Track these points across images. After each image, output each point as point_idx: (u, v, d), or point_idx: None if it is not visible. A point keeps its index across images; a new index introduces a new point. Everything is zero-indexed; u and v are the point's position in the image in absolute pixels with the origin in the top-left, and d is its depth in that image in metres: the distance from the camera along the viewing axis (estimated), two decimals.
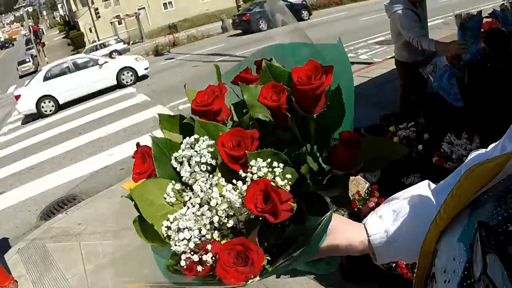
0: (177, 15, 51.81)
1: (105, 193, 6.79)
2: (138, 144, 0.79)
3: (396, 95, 5.29)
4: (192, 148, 0.72)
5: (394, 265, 2.87)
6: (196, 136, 0.73)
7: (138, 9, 53.70)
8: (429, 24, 5.10)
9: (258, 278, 0.64)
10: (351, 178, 2.78)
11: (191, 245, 0.65)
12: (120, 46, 33.33)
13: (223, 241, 0.66)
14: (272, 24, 0.85)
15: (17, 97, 16.57)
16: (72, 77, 17.22)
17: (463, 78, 4.23)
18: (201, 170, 0.71)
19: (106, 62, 18.37)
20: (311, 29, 23.71)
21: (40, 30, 60.62)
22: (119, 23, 47.21)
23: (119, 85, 17.84)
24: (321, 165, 0.71)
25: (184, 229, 0.67)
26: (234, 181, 0.66)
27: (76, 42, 51.73)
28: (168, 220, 0.69)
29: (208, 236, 0.66)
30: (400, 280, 2.83)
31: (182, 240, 0.66)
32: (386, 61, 11.27)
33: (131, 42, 44.07)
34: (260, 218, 0.63)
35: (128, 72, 18.25)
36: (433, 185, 0.94)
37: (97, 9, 47.75)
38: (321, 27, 23.44)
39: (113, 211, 5.96)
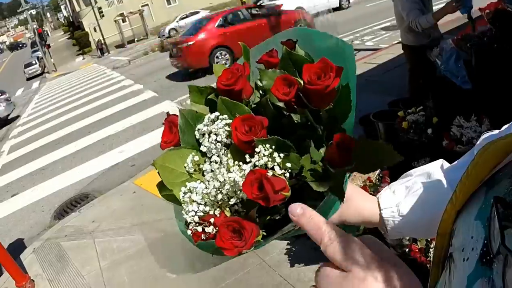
0: (181, 10, 51.71)
1: (117, 190, 6.83)
2: (168, 114, 0.83)
3: (404, 80, 5.27)
4: (213, 123, 0.75)
5: (407, 249, 2.88)
6: (217, 113, 0.75)
7: (142, 6, 53.74)
8: (436, 6, 5.06)
9: (252, 249, 0.68)
10: None
11: (196, 218, 0.70)
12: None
13: (225, 215, 0.70)
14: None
15: None
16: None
17: (470, 60, 4.20)
18: (216, 147, 0.73)
19: None
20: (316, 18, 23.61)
21: (45, 32, 60.76)
22: (123, 21, 47.25)
23: None
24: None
25: (193, 201, 0.70)
26: (240, 163, 0.68)
27: (81, 42, 51.99)
28: (185, 187, 0.73)
29: (211, 212, 0.70)
30: (414, 264, 2.84)
31: (191, 211, 0.70)
32: (392, 47, 11.20)
33: (136, 39, 44.17)
34: None
35: None
36: (447, 164, 0.95)
37: (100, 8, 47.67)
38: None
39: (126, 208, 6.01)
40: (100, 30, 42.90)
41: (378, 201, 0.96)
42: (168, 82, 15.87)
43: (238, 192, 0.69)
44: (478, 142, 0.92)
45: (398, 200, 0.93)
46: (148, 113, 11.93)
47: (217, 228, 0.68)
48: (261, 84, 0.79)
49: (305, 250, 3.80)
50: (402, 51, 5.27)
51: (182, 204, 0.72)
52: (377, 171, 3.39)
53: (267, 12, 17.19)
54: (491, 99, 3.78)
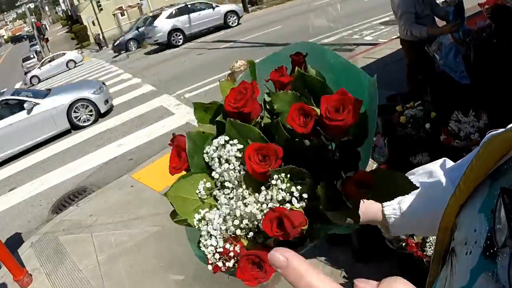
0: (179, 3, 51.55)
1: (115, 184, 6.83)
2: (174, 135, 0.80)
3: (403, 75, 5.27)
4: (223, 147, 0.72)
5: (404, 244, 2.88)
6: (226, 138, 0.73)
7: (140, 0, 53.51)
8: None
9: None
10: None
11: (216, 255, 0.67)
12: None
13: (243, 244, 0.68)
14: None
15: None
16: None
17: (469, 55, 4.20)
18: (229, 175, 0.71)
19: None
20: (317, 12, 23.59)
21: (43, 25, 60.69)
22: (122, 14, 47.15)
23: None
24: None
25: (210, 235, 0.68)
26: (257, 194, 0.67)
27: (80, 36, 51.83)
28: (199, 214, 0.71)
29: (230, 247, 0.67)
30: (410, 259, 2.84)
31: (209, 246, 0.67)
32: (391, 42, 11.19)
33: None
34: None
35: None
36: (450, 163, 0.95)
37: (99, 1, 47.65)
38: (326, 9, 23.25)
39: (124, 201, 6.01)
40: (99, 24, 42.76)
41: None
42: (167, 76, 15.83)
43: (255, 222, 0.66)
44: (483, 141, 0.85)
45: (399, 197, 0.93)
46: (147, 106, 11.91)
47: (236, 259, 0.66)
48: (271, 106, 0.76)
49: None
50: (400, 46, 5.28)
51: (201, 239, 0.69)
52: (375, 165, 3.40)
53: None
54: (489, 94, 3.78)
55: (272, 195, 0.64)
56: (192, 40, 22.56)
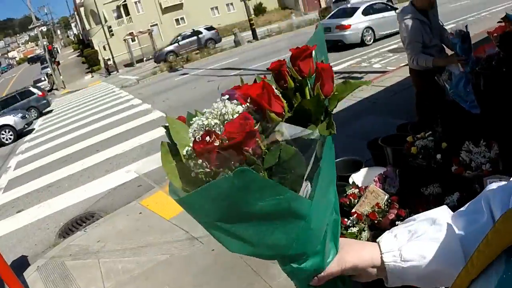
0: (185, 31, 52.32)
1: (124, 210, 6.81)
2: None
3: (412, 103, 5.27)
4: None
5: None
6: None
7: (151, 26, 54.23)
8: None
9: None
10: (371, 189, 2.78)
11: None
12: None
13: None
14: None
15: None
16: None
17: (479, 84, 4.19)
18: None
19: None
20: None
21: (55, 49, 61.30)
22: (133, 40, 47.69)
23: None
24: None
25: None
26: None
27: (91, 60, 52.39)
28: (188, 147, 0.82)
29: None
30: None
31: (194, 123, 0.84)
32: (400, 69, 11.24)
33: (144, 58, 44.44)
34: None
35: None
36: (450, 212, 0.93)
37: (110, 27, 48.20)
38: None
39: (132, 228, 5.98)
40: (110, 49, 43.25)
41: (379, 245, 0.92)
42: (177, 102, 15.93)
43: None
44: (485, 193, 0.87)
45: (400, 244, 0.90)
46: (156, 133, 11.93)
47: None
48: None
49: None
50: (409, 74, 5.29)
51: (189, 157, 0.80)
52: (386, 197, 3.37)
53: None
54: (500, 123, 3.76)
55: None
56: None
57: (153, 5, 59.16)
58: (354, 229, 2.94)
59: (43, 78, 41.49)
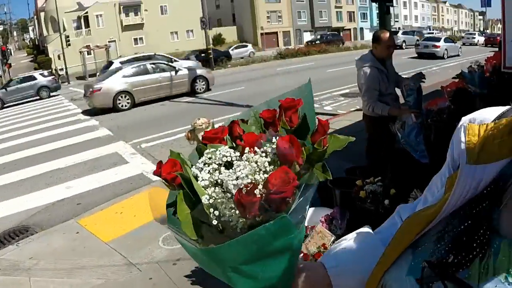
0: (147, 51, 52.09)
1: (60, 227, 6.60)
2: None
3: (361, 147, 5.42)
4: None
5: None
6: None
7: (109, 41, 53.79)
8: None
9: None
10: (318, 229, 2.85)
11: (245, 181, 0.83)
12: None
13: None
14: None
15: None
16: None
17: (430, 135, 4.36)
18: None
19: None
20: (279, 76, 24.15)
21: (8, 50, 59.71)
22: (88, 53, 46.95)
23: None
24: None
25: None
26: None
27: (43, 67, 51.08)
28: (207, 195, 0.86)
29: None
30: None
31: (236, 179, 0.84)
32: (350, 113, 11.61)
33: (97, 73, 43.76)
34: None
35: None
36: (371, 230, 1.16)
37: (68, 36, 47.41)
38: (288, 76, 23.92)
39: (67, 248, 5.79)
40: (64, 59, 42.48)
41: (321, 262, 1.06)
42: (125, 122, 15.73)
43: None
44: (397, 211, 1.18)
45: (337, 258, 1.06)
46: (101, 151, 11.72)
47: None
48: None
49: None
50: (359, 119, 5.49)
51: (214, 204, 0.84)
52: (332, 238, 3.42)
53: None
54: None
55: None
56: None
57: (114, 21, 58.91)
58: None
59: None
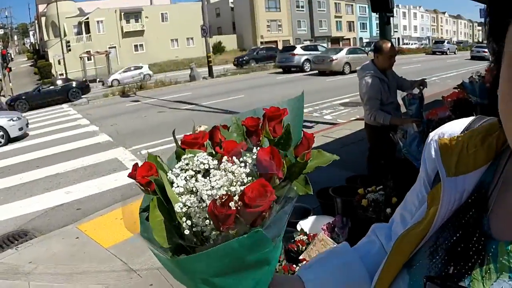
0: (147, 58, 52.31)
1: (60, 232, 6.60)
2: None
3: (361, 156, 5.44)
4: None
5: None
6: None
7: (109, 48, 53.89)
8: None
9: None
10: (320, 237, 2.86)
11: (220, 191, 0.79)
12: None
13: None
14: None
15: None
16: None
17: None
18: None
19: None
20: (279, 86, 24.21)
21: (9, 54, 59.76)
22: (89, 59, 47.03)
23: None
24: None
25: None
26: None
27: (43, 72, 51.23)
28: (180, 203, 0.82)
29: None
30: None
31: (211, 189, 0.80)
32: (350, 123, 11.64)
33: (97, 79, 43.89)
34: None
35: None
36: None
37: (68, 42, 47.54)
38: (288, 85, 23.98)
39: (67, 253, 5.78)
40: (64, 64, 42.56)
41: (298, 275, 1.06)
42: (125, 129, 15.73)
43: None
44: (371, 230, 1.18)
45: (315, 271, 1.06)
46: (100, 157, 11.72)
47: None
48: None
49: None
50: (359, 128, 5.53)
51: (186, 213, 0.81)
52: (334, 246, 3.43)
53: None
54: None
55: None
56: None
57: (115, 28, 59.04)
58: None
59: None
